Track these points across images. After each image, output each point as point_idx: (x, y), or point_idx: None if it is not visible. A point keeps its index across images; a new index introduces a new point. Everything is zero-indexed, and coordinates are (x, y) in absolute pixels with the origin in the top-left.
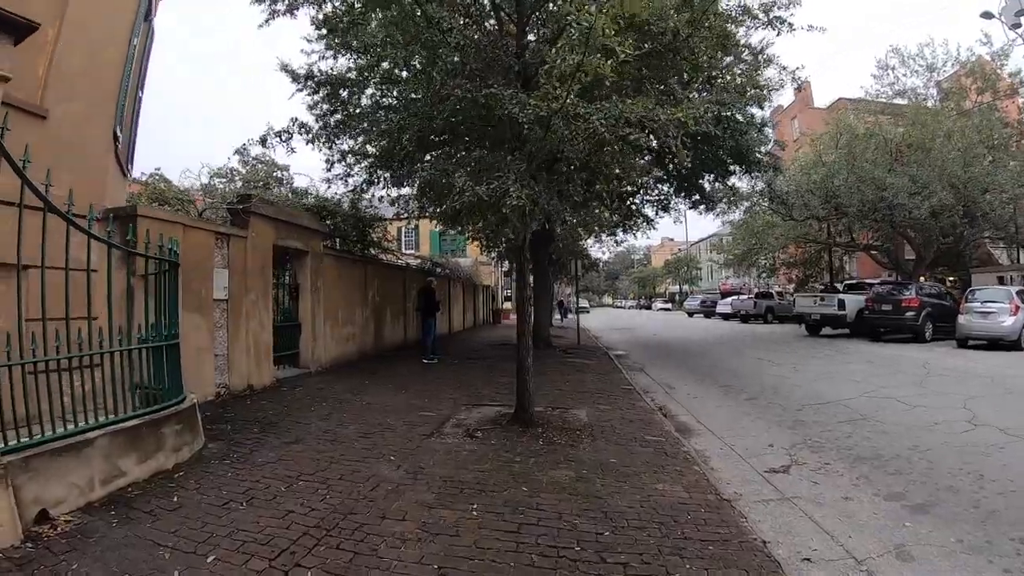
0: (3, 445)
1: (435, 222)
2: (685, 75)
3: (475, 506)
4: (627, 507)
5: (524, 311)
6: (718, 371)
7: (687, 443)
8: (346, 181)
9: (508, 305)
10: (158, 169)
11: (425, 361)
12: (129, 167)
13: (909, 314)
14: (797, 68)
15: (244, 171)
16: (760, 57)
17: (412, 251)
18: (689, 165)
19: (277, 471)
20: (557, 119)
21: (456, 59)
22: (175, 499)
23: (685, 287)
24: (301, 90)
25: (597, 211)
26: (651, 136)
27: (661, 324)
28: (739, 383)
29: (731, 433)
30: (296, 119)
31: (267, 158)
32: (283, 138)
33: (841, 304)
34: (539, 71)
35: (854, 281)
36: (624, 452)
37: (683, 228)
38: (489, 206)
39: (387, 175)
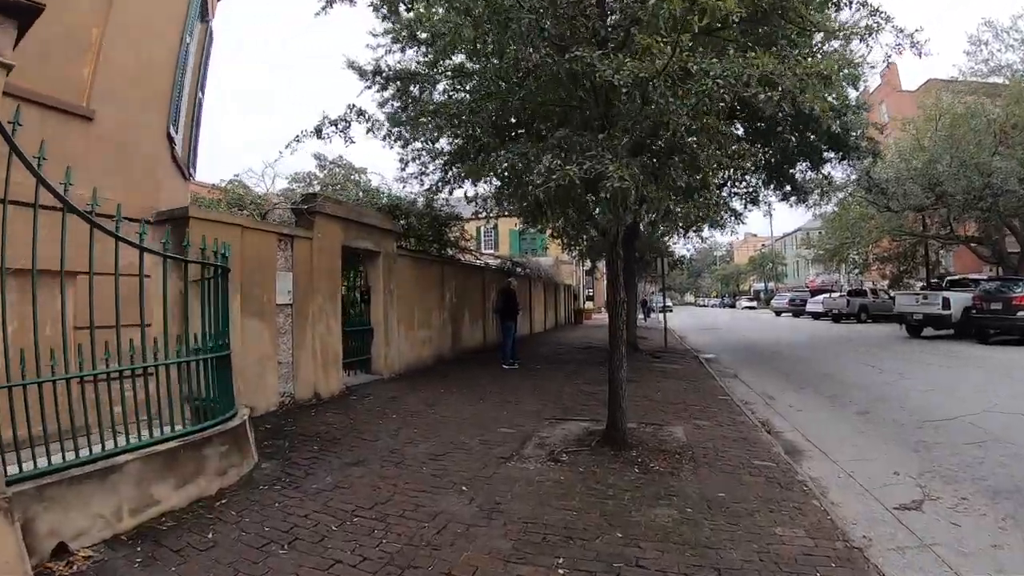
0: (9, 474)
1: (515, 221)
2: (792, 41)
3: (561, 560)
4: (744, 560)
5: (617, 316)
6: (819, 378)
7: (800, 469)
8: (421, 180)
9: (589, 305)
10: (237, 175)
11: (505, 367)
12: (191, 170)
13: (1022, 313)
14: (916, 31)
15: (322, 175)
16: (872, 20)
17: (491, 251)
18: (795, 144)
19: (331, 503)
20: (659, 82)
21: (532, 21)
22: (210, 535)
23: (770, 284)
24: (369, 87)
25: (706, 200)
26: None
27: (748, 324)
28: (845, 393)
29: (846, 456)
30: (353, 105)
31: (344, 161)
32: (339, 127)
33: (946, 303)
34: (630, 32)
35: (956, 277)
36: (732, 482)
37: (767, 223)
38: (581, 192)
39: (461, 170)
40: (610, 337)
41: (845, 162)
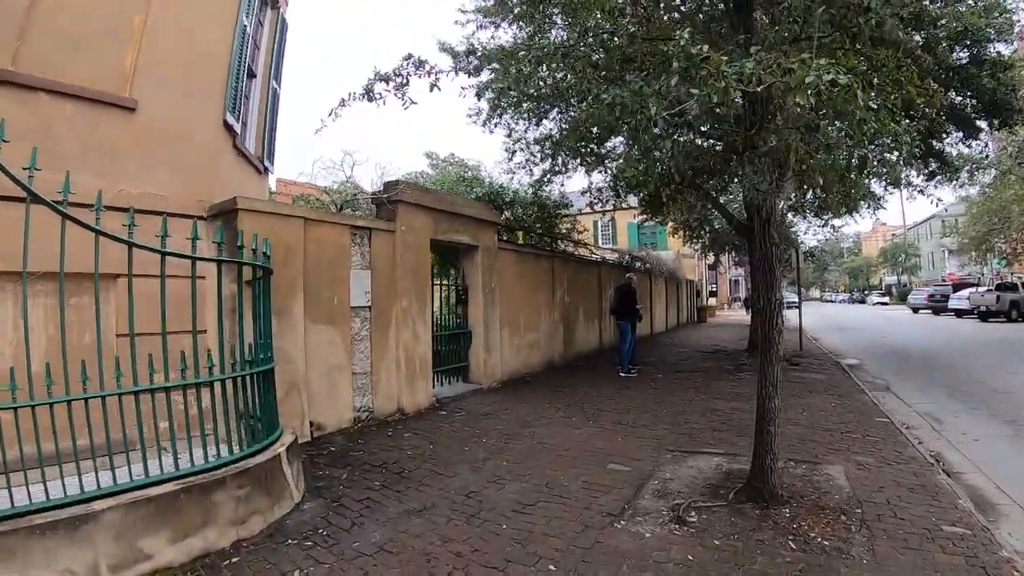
0: None
1: (634, 213)
2: None
3: None
4: None
5: (773, 321)
6: (988, 395)
7: (1005, 542)
8: (530, 171)
9: (712, 302)
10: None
11: (622, 374)
12: (266, 163)
13: None
14: None
15: (433, 173)
16: None
17: (608, 245)
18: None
19: (373, 572)
20: None
21: None
22: None
23: (903, 277)
24: (460, 71)
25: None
26: None
27: (884, 322)
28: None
29: None
30: (411, 55)
31: (456, 159)
32: (394, 83)
33: None
34: None
35: None
36: (922, 565)
37: (898, 210)
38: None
39: (574, 158)
40: (761, 352)
41: (1004, 130)
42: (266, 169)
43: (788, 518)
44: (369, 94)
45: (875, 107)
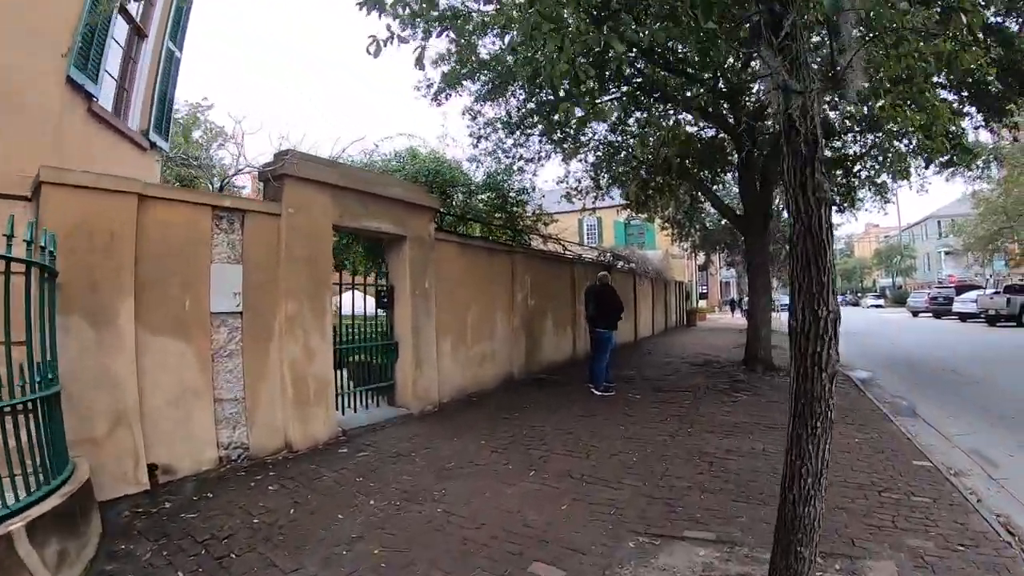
0: None
1: (618, 209)
2: None
3: None
4: None
5: (817, 331)
6: None
7: None
8: (498, 158)
9: (703, 304)
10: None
11: (596, 392)
12: (156, 138)
13: None
14: None
15: (362, 157)
16: None
17: (595, 244)
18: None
19: None
20: None
21: None
22: None
23: (898, 279)
24: (404, 41)
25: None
26: None
27: (885, 327)
28: None
29: None
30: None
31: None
32: None
33: None
34: None
35: None
36: None
37: (892, 211)
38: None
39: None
40: (794, 397)
41: None
42: (153, 145)
43: None
44: None
45: None
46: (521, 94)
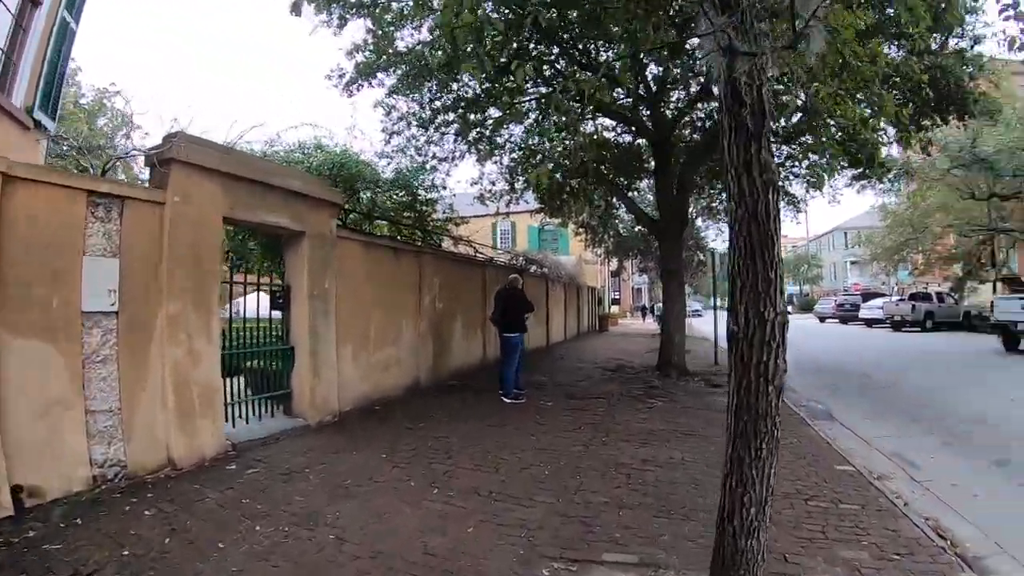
0: None
1: (531, 214)
2: None
3: None
4: None
5: (764, 349)
6: (954, 422)
7: None
8: (411, 156)
9: (615, 310)
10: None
11: (506, 400)
12: (41, 116)
13: None
14: None
15: (263, 148)
16: None
17: (508, 247)
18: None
19: None
20: None
21: None
22: None
23: (805, 288)
24: (327, 24)
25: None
26: None
27: (795, 331)
28: (1006, 447)
29: None
30: None
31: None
32: None
33: None
34: None
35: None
36: None
37: (803, 221)
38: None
39: (462, 139)
40: (734, 436)
41: (961, 121)
42: (38, 124)
43: None
44: None
45: None
46: (435, 87)
